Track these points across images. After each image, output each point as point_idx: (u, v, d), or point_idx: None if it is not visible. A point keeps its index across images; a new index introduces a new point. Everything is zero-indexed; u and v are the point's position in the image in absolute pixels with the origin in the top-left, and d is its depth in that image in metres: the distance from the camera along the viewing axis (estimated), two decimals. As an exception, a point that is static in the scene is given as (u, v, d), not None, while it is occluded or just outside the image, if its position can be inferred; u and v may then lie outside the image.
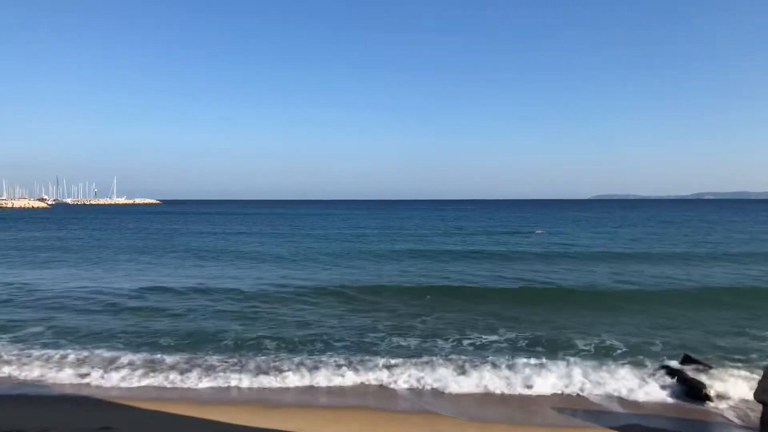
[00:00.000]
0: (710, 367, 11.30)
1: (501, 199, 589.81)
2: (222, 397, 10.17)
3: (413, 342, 13.87)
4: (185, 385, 10.73)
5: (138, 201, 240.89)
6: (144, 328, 15.30)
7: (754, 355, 12.49)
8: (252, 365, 11.95)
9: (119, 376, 11.20)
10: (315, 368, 11.69)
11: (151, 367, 11.83)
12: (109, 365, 11.88)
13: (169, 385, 10.72)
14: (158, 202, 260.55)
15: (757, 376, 10.40)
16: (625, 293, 20.58)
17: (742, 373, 11.19)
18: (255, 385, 10.73)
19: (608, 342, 13.70)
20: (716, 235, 50.06)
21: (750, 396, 9.59)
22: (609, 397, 10.08)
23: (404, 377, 11.08)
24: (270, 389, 10.57)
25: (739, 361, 12.03)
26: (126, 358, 12.46)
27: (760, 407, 8.94)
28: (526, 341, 13.89)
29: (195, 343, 13.63)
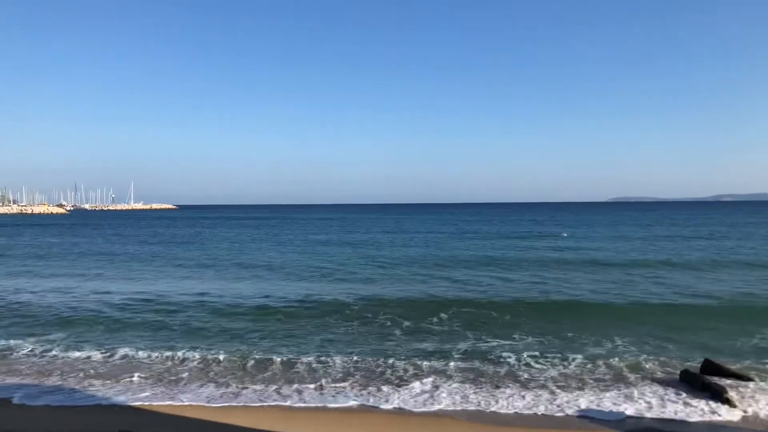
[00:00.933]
0: (731, 373, 11.12)
1: (517, 202, 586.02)
2: (236, 402, 10.17)
3: (429, 346, 13.83)
4: (200, 391, 10.77)
5: (155, 206, 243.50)
6: (161, 335, 15.43)
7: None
8: (268, 371, 12.03)
9: (136, 382, 11.29)
10: (327, 373, 11.76)
11: (168, 372, 11.94)
12: (127, 372, 11.99)
13: (184, 391, 10.77)
14: (175, 207, 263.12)
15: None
16: (646, 301, 20.27)
17: (764, 378, 11.01)
18: (269, 390, 10.73)
19: (629, 347, 13.54)
20: (732, 241, 49.30)
21: (773, 402, 9.42)
22: (630, 401, 9.92)
23: (417, 384, 11.07)
24: (283, 395, 10.55)
25: (761, 367, 11.79)
26: (144, 363, 12.63)
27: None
28: (542, 347, 13.78)
29: (208, 352, 13.69)
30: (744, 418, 9.13)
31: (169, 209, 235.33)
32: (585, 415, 9.35)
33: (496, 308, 18.52)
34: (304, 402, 10.08)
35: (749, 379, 10.95)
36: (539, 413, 9.47)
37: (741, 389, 10.40)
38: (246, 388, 10.83)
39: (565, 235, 54.79)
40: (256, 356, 13.00)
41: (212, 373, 11.80)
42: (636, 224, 78.98)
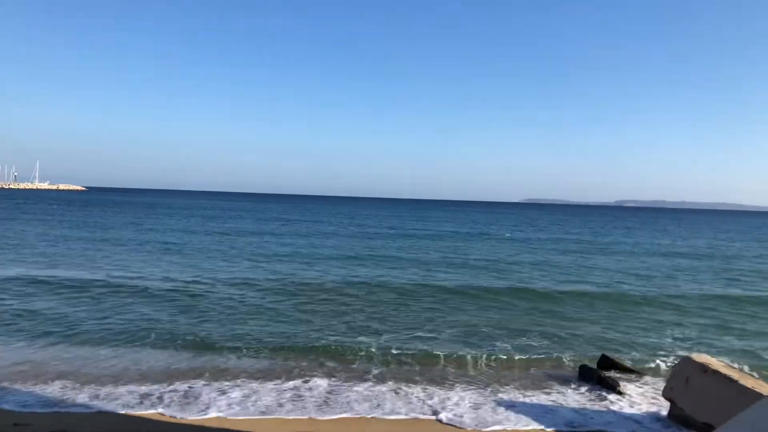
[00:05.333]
0: (625, 368, 11.88)
1: (431, 199, 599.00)
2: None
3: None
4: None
5: (62, 187, 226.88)
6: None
7: (665, 356, 13.19)
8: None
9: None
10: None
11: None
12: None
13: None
14: (83, 188, 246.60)
15: (666, 375, 11.01)
16: (550, 294, 21.26)
17: (654, 372, 11.86)
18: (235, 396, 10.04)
19: (528, 342, 14.05)
20: (632, 237, 52.96)
21: (660, 393, 10.12)
22: (528, 396, 10.29)
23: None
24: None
25: (651, 361, 12.66)
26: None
27: (668, 404, 9.47)
28: (447, 341, 13.96)
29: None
30: (634, 409, 9.76)
31: (76, 190, 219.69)
32: (486, 408, 9.57)
33: (402, 294, 18.83)
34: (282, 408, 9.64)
35: (639, 373, 11.78)
36: (432, 409, 9.42)
37: (632, 382, 11.19)
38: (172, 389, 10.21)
39: (508, 234, 56.33)
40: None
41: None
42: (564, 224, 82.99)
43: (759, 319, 18.19)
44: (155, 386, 9.93)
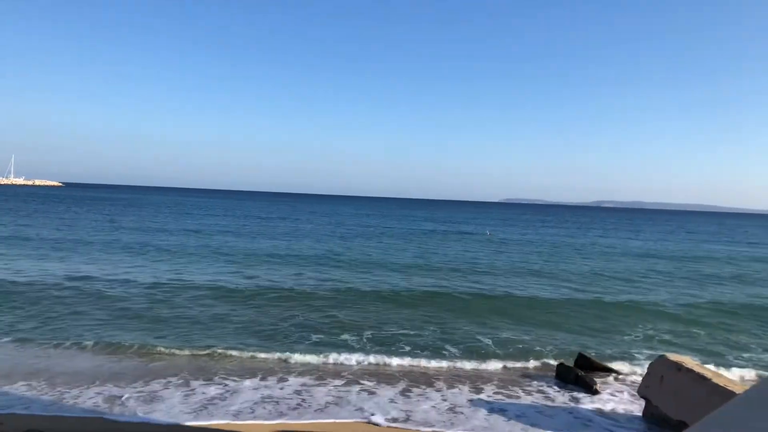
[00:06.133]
0: (601, 366, 11.99)
1: (415, 198, 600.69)
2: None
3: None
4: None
5: (38, 182, 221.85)
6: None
7: (638, 355, 13.36)
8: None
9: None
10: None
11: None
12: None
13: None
14: (60, 184, 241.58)
15: (641, 374, 11.11)
16: (528, 298, 21.38)
17: (629, 371, 11.99)
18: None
19: (506, 343, 14.08)
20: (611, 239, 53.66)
21: (635, 391, 10.23)
22: (507, 395, 10.30)
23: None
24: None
25: (627, 360, 12.81)
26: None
27: (643, 401, 9.56)
28: (425, 342, 13.95)
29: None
30: (610, 406, 9.84)
31: (52, 186, 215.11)
32: (463, 407, 9.57)
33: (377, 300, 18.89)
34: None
35: (615, 371, 11.89)
36: (407, 412, 9.33)
37: (608, 380, 11.32)
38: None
39: (489, 233, 56.57)
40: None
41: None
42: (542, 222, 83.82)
43: (730, 319, 18.53)
44: (127, 388, 9.74)
